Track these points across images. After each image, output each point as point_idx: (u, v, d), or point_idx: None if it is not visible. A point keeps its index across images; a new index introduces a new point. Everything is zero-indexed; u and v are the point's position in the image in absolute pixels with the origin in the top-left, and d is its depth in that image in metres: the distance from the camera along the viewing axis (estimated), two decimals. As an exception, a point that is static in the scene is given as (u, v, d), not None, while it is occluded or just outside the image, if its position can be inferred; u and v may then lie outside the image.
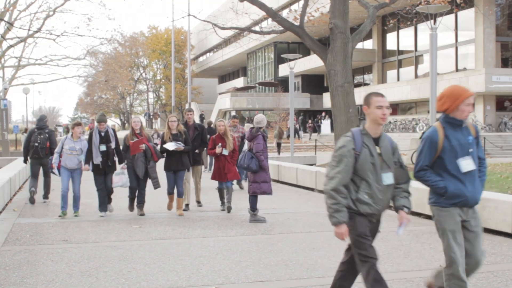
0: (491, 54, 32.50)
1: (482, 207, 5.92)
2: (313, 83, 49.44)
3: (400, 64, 41.15)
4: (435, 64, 13.29)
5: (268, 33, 21.67)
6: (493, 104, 32.45)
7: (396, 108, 40.63)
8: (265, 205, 9.93)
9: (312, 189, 13.07)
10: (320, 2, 25.93)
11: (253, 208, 8.71)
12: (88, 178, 10.19)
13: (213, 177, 9.59)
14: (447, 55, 35.36)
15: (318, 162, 19.94)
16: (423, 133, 4.04)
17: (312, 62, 42.65)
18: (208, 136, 10.86)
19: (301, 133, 40.06)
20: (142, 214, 9.24)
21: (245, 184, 12.88)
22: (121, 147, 9.42)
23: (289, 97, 21.36)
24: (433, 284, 4.35)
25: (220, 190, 9.78)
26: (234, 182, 12.74)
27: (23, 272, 5.71)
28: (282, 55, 23.62)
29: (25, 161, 11.52)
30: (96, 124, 9.36)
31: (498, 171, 14.85)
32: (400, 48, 40.65)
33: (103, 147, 9.10)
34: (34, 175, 11.18)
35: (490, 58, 32.40)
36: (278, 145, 26.78)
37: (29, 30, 31.16)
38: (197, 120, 42.12)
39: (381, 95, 3.96)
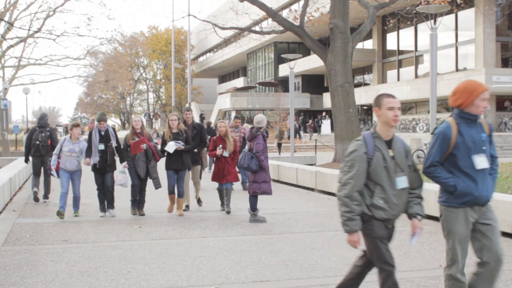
0: (491, 54, 32.50)
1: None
2: (313, 83, 49.45)
3: (400, 64, 41.15)
4: (435, 64, 13.29)
5: (268, 33, 21.68)
6: (493, 104, 32.44)
7: (396, 108, 40.61)
8: (265, 205, 9.93)
9: (312, 189, 13.06)
10: (320, 2, 25.92)
11: (253, 208, 8.71)
12: (88, 178, 10.19)
13: (213, 179, 9.56)
14: (447, 55, 35.36)
15: (318, 162, 19.94)
16: (435, 128, 3.93)
17: (312, 62, 42.65)
18: (209, 137, 10.86)
19: (301, 133, 40.07)
20: (142, 214, 9.25)
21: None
22: (121, 146, 9.37)
23: (289, 97, 21.36)
24: None
25: (220, 192, 9.74)
26: (238, 183, 12.73)
27: (23, 272, 5.71)
28: (282, 55, 23.63)
29: (26, 161, 11.53)
30: (96, 123, 9.33)
31: (498, 171, 14.85)
32: (400, 48, 40.66)
33: (101, 146, 9.06)
34: (36, 173, 11.34)
35: (490, 58, 32.40)
36: (279, 145, 26.81)
37: (29, 30, 31.18)
38: (197, 120, 42.15)
39: (392, 96, 3.83)
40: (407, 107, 39.55)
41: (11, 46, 33.14)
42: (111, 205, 9.20)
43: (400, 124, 35.99)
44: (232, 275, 5.57)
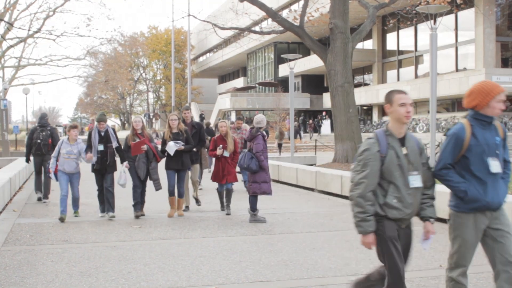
0: (491, 54, 32.51)
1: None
2: (313, 83, 49.47)
3: (400, 64, 41.17)
4: (435, 64, 13.28)
5: (268, 33, 21.69)
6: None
7: (396, 108, 40.63)
8: (265, 205, 9.93)
9: (312, 189, 13.06)
10: (320, 2, 25.93)
11: (253, 208, 8.71)
12: (88, 178, 10.19)
13: (213, 178, 9.48)
14: (447, 55, 35.38)
15: (318, 162, 19.94)
16: (448, 129, 3.82)
17: (312, 62, 42.66)
18: (209, 137, 10.84)
19: (301, 133, 40.07)
20: (142, 214, 9.20)
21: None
22: (122, 146, 9.27)
23: (289, 97, 21.36)
24: None
25: (220, 193, 9.66)
26: (239, 183, 12.71)
27: (23, 272, 5.71)
28: (282, 55, 23.63)
29: (27, 160, 11.60)
30: (96, 123, 9.25)
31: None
32: (400, 48, 40.67)
33: (100, 147, 8.98)
34: (38, 172, 11.43)
35: (490, 58, 32.41)
36: (279, 145, 26.83)
37: (29, 30, 31.19)
38: (197, 121, 42.12)
39: (404, 92, 3.72)
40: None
41: (11, 46, 33.14)
42: (111, 207, 9.02)
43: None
44: (232, 275, 5.57)
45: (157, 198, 10.72)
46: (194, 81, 63.97)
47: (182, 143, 9.01)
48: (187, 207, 9.88)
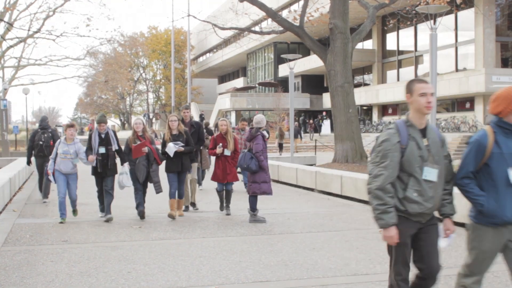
0: (491, 54, 32.51)
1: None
2: (313, 83, 49.46)
3: (400, 64, 41.17)
4: (435, 64, 13.29)
5: (268, 33, 21.70)
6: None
7: (396, 108, 40.67)
8: (265, 205, 9.92)
9: (312, 189, 13.06)
10: (320, 2, 25.94)
11: (253, 208, 8.70)
12: (88, 178, 10.17)
13: (213, 178, 9.41)
14: (447, 55, 35.37)
15: (318, 162, 19.94)
16: (470, 137, 3.69)
17: (312, 62, 42.67)
18: (209, 136, 10.80)
19: (301, 133, 40.07)
20: (143, 217, 9.09)
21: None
22: (122, 149, 9.12)
23: (289, 97, 21.36)
24: None
25: (220, 193, 9.53)
26: (239, 184, 12.69)
27: (23, 273, 5.71)
28: (282, 55, 23.65)
29: (28, 163, 11.74)
30: (96, 125, 9.14)
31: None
32: (400, 48, 40.67)
33: (102, 150, 8.84)
34: (41, 174, 11.48)
35: (490, 58, 32.41)
36: (280, 145, 26.87)
37: (29, 30, 31.20)
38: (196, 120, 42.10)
39: (425, 82, 3.58)
40: (407, 107, 39.45)
41: (11, 46, 33.15)
42: (108, 210, 8.89)
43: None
44: (232, 275, 5.57)
45: (156, 198, 10.71)
46: (194, 81, 63.97)
47: (182, 144, 8.90)
48: (187, 207, 9.86)
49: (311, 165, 18.21)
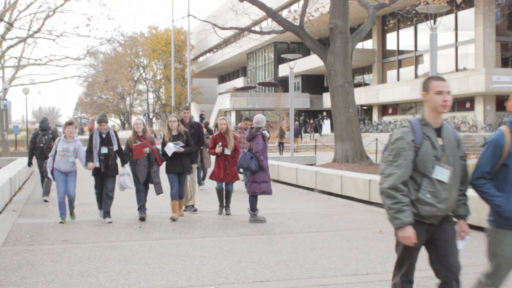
0: (491, 54, 32.52)
1: (482, 208, 5.90)
2: (313, 83, 49.48)
3: (400, 64, 41.17)
4: (435, 64, 13.29)
5: (268, 33, 21.71)
6: (493, 104, 32.45)
7: (396, 108, 40.67)
8: (265, 205, 9.92)
9: (312, 189, 13.06)
10: (320, 2, 25.94)
11: (253, 208, 8.70)
12: (88, 178, 10.17)
13: (212, 177, 9.33)
14: (447, 55, 35.38)
15: (318, 162, 19.94)
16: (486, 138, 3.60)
17: (312, 62, 42.68)
18: (209, 136, 10.78)
19: (302, 133, 40.08)
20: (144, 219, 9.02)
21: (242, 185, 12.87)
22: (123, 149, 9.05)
23: (289, 97, 21.36)
24: None
25: (219, 192, 9.43)
26: (240, 184, 12.66)
27: (23, 273, 5.71)
28: (282, 55, 23.65)
29: (29, 164, 11.81)
30: (96, 125, 9.03)
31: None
32: (400, 48, 40.68)
33: (104, 150, 8.71)
34: (43, 174, 11.44)
35: (490, 58, 32.42)
36: (280, 144, 26.88)
37: (29, 30, 31.20)
38: (197, 120, 42.11)
39: (442, 79, 3.48)
40: (407, 107, 39.57)
41: (11, 46, 33.14)
42: (107, 213, 8.82)
43: (400, 124, 35.96)
44: (232, 275, 5.57)
45: (157, 199, 10.72)
46: (194, 81, 64.00)
47: (182, 144, 8.83)
48: (186, 206, 9.80)
49: (311, 165, 18.20)
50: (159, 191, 8.91)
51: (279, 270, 5.72)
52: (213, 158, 9.80)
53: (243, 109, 48.53)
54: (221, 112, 51.22)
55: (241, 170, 9.60)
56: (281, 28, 19.78)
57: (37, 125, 13.49)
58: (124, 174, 8.74)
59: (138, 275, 5.59)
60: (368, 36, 41.01)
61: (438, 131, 3.44)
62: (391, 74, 42.23)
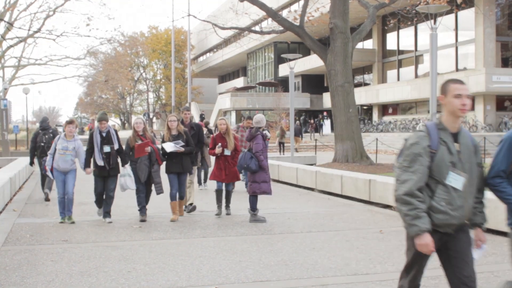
0: (491, 54, 32.52)
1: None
2: (313, 83, 49.48)
3: (400, 64, 41.17)
4: (435, 64, 13.29)
5: (268, 33, 21.70)
6: (493, 104, 32.45)
7: (396, 108, 40.67)
8: (265, 205, 9.92)
9: (312, 189, 13.06)
10: (320, 2, 25.94)
11: (253, 208, 8.69)
12: (88, 178, 10.16)
13: (212, 177, 9.25)
14: (447, 55, 35.38)
15: (318, 162, 19.93)
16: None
17: (312, 62, 42.68)
18: (210, 135, 10.75)
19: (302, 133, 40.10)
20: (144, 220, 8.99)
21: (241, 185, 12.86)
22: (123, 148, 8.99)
23: (289, 97, 21.37)
24: None
25: (218, 193, 9.28)
26: (241, 184, 12.64)
27: (23, 272, 5.71)
28: (282, 55, 23.66)
29: (31, 163, 11.86)
30: (96, 123, 8.92)
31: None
32: (400, 48, 40.68)
33: (107, 148, 8.62)
34: (44, 174, 11.48)
35: (490, 58, 32.42)
36: (281, 144, 26.89)
37: (29, 30, 31.17)
38: (197, 120, 42.12)
39: (460, 82, 3.34)
40: (407, 107, 39.58)
41: (11, 46, 33.14)
42: (108, 213, 8.80)
43: (400, 124, 36.00)
44: (232, 275, 5.57)
45: (157, 199, 10.71)
46: (194, 81, 63.99)
47: (183, 144, 8.79)
48: (190, 204, 9.74)
49: (311, 164, 18.20)
50: (159, 191, 8.90)
51: (279, 270, 5.72)
52: (212, 158, 9.74)
53: (243, 109, 48.53)
54: (221, 112, 51.22)
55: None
56: (281, 28, 19.78)
57: (37, 125, 13.55)
58: (125, 175, 8.69)
59: (138, 275, 5.59)
60: (368, 36, 41.01)
61: (455, 136, 3.33)
62: (391, 74, 42.23)
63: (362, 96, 39.82)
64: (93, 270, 5.79)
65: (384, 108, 42.13)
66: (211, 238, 7.43)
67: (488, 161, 4.06)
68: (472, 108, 32.88)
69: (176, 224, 8.50)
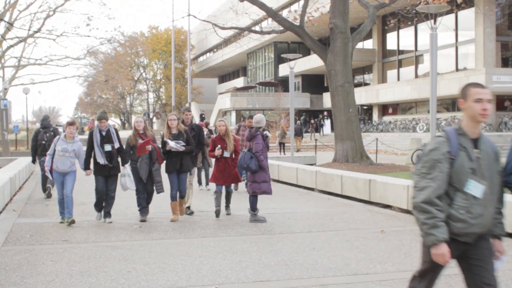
0: (491, 54, 32.52)
1: None
2: (313, 83, 49.48)
3: (400, 64, 41.17)
4: (435, 64, 13.28)
5: (268, 33, 21.70)
6: (493, 104, 32.43)
7: (396, 108, 40.67)
8: (265, 205, 9.92)
9: (312, 189, 13.06)
10: (320, 2, 25.94)
11: (253, 208, 8.69)
12: (88, 178, 10.15)
13: (212, 179, 9.20)
14: (447, 55, 35.38)
15: (318, 162, 19.94)
16: None
17: (312, 62, 42.68)
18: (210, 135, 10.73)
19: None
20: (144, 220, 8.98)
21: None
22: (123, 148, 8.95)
23: (289, 97, 21.36)
24: None
25: (218, 194, 9.12)
26: (242, 184, 12.63)
27: (23, 272, 5.71)
28: (282, 55, 23.66)
29: (33, 161, 11.91)
30: (96, 122, 8.87)
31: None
32: (400, 48, 40.68)
33: (108, 147, 8.57)
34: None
35: (490, 58, 32.42)
36: (281, 144, 26.90)
37: (29, 30, 31.19)
38: (198, 120, 42.16)
39: (481, 86, 3.22)
40: (407, 107, 39.58)
41: (11, 46, 33.15)
42: (108, 213, 8.78)
43: (400, 124, 36.02)
44: (232, 275, 5.57)
45: (157, 198, 10.70)
46: (194, 81, 64.01)
47: (183, 143, 8.77)
48: (188, 208, 9.76)
49: (312, 164, 18.20)
50: (160, 190, 8.89)
51: (279, 270, 5.72)
52: (212, 160, 9.71)
53: (243, 109, 48.54)
54: (221, 112, 51.23)
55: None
56: (281, 28, 19.77)
57: (37, 125, 13.63)
58: (125, 175, 8.67)
59: (138, 274, 5.59)
60: (368, 36, 41.02)
61: (475, 142, 3.21)
62: (391, 74, 42.24)
63: (362, 96, 39.82)
64: (93, 270, 5.79)
65: (384, 108, 42.14)
66: (211, 238, 7.43)
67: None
68: None
69: (176, 224, 8.50)
